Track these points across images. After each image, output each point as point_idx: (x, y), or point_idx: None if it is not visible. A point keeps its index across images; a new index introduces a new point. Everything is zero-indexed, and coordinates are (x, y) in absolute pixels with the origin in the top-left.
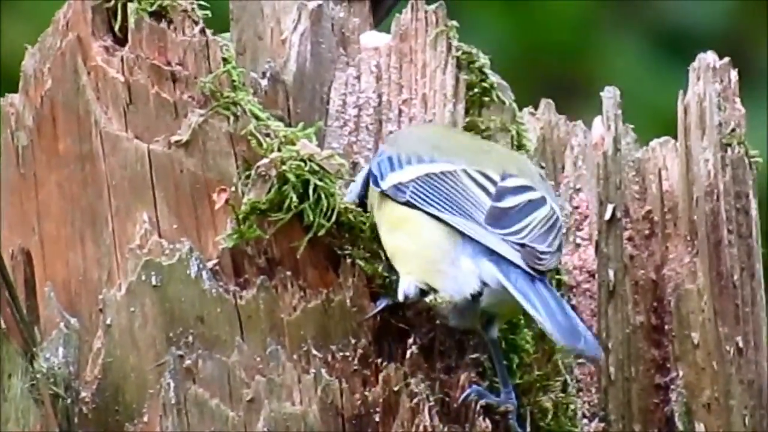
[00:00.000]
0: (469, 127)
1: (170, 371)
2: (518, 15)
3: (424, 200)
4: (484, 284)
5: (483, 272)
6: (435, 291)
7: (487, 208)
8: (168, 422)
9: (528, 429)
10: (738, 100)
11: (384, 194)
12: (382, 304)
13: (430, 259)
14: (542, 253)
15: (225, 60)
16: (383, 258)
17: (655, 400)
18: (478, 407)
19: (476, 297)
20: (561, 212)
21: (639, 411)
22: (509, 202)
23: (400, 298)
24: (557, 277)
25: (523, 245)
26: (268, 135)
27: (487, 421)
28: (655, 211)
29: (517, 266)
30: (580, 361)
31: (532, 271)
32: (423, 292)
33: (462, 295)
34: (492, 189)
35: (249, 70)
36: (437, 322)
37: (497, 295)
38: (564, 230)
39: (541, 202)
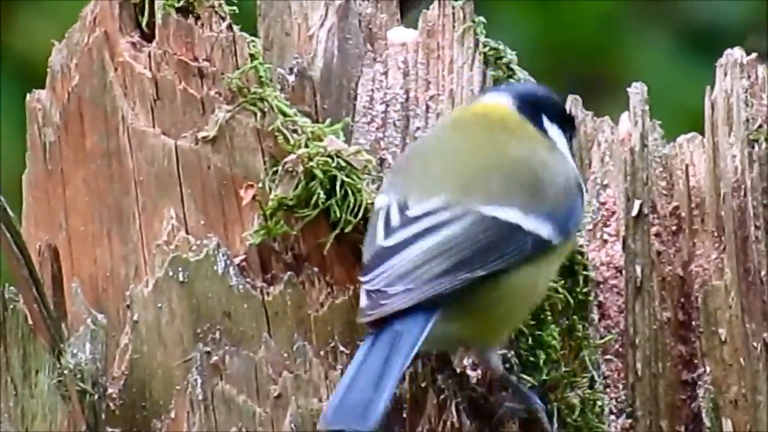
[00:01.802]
0: None
1: (197, 367)
2: (545, 13)
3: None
4: None
5: None
6: None
7: (375, 249)
8: (195, 418)
9: (556, 426)
10: (765, 96)
11: None
12: None
13: None
14: (391, 295)
15: (252, 56)
16: None
17: (682, 397)
18: (503, 407)
19: None
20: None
21: (666, 407)
22: (395, 239)
23: None
24: (584, 273)
25: (375, 291)
26: (295, 131)
27: (516, 420)
28: (682, 207)
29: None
30: (607, 357)
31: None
32: None
33: None
34: (396, 222)
35: (276, 66)
36: None
37: None
38: (489, 242)
39: (443, 225)
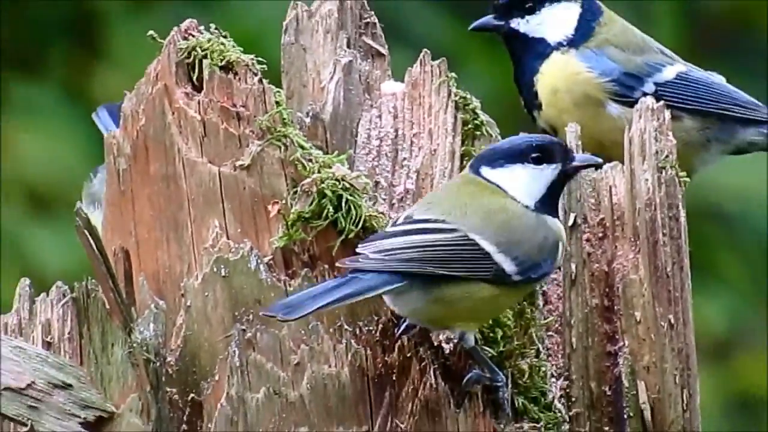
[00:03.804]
0: (464, 154)
1: (235, 342)
2: (501, 67)
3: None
4: None
5: None
6: None
7: (378, 233)
8: (233, 381)
9: (507, 405)
10: (670, 133)
11: None
12: (402, 325)
13: None
14: (369, 258)
15: (277, 103)
16: None
17: (607, 364)
18: (471, 373)
19: None
20: (481, 235)
21: (594, 372)
22: (394, 229)
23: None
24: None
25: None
26: (310, 160)
27: (479, 385)
28: (606, 218)
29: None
30: (549, 333)
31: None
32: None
33: None
34: (400, 222)
35: (296, 110)
36: None
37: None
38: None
39: (434, 231)
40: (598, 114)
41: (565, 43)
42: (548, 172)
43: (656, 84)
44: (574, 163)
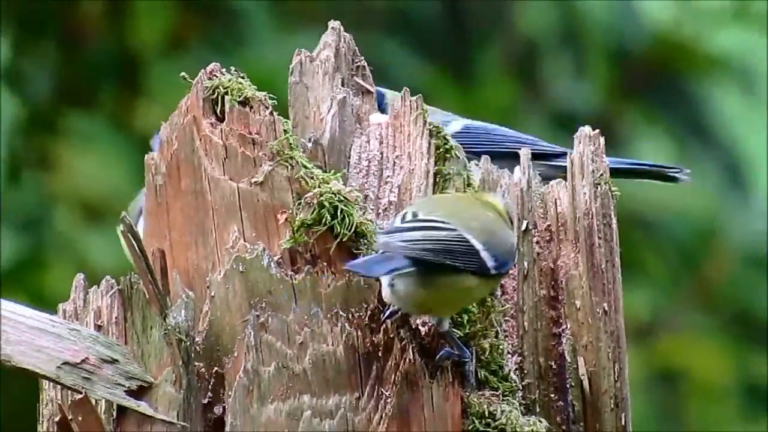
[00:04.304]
0: (437, 173)
1: (251, 325)
2: (467, 101)
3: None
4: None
5: None
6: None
7: (394, 226)
8: (249, 357)
9: (472, 376)
10: (604, 155)
11: None
12: (387, 312)
13: None
14: (395, 246)
15: (285, 131)
16: None
17: (553, 343)
18: (443, 351)
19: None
20: (471, 233)
21: (543, 350)
22: (407, 224)
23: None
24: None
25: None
26: (312, 177)
27: (450, 361)
28: (552, 225)
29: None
30: (506, 318)
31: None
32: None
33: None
34: (409, 218)
35: (300, 137)
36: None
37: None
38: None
39: (437, 229)
40: None
41: None
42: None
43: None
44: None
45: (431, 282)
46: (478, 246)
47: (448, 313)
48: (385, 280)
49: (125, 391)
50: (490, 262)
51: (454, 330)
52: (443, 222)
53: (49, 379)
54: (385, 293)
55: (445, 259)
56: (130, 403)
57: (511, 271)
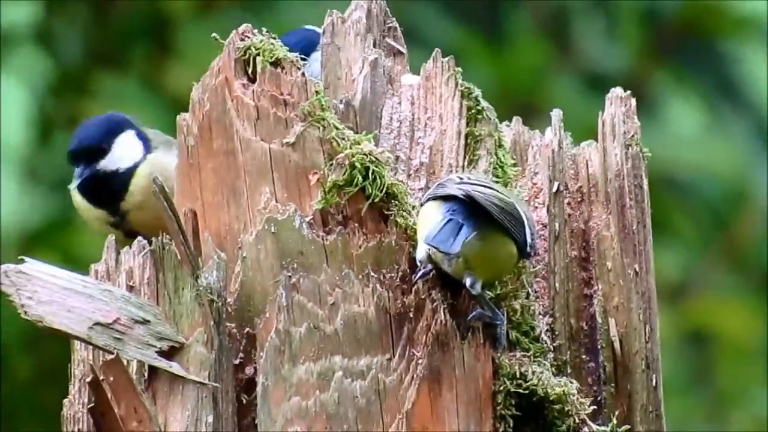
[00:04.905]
0: (468, 134)
1: (283, 285)
2: (498, 63)
3: (428, 193)
4: None
5: None
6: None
7: (457, 181)
8: (281, 317)
9: (504, 339)
10: (635, 117)
11: (421, 205)
12: (419, 273)
13: (423, 232)
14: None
15: (317, 92)
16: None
17: (584, 304)
18: (476, 312)
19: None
20: (519, 207)
21: (574, 311)
22: (466, 182)
23: (417, 262)
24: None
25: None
26: (343, 139)
27: (480, 322)
28: (584, 186)
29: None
30: (537, 279)
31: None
32: (429, 256)
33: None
34: (465, 177)
35: (332, 98)
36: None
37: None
38: (514, 211)
39: (497, 190)
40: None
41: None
42: None
43: None
44: None
45: (485, 238)
46: (524, 219)
47: (486, 275)
48: (445, 233)
49: (156, 352)
50: (529, 238)
51: (486, 292)
52: (499, 189)
53: (80, 339)
54: (425, 252)
55: (505, 219)
56: (162, 363)
57: (542, 233)
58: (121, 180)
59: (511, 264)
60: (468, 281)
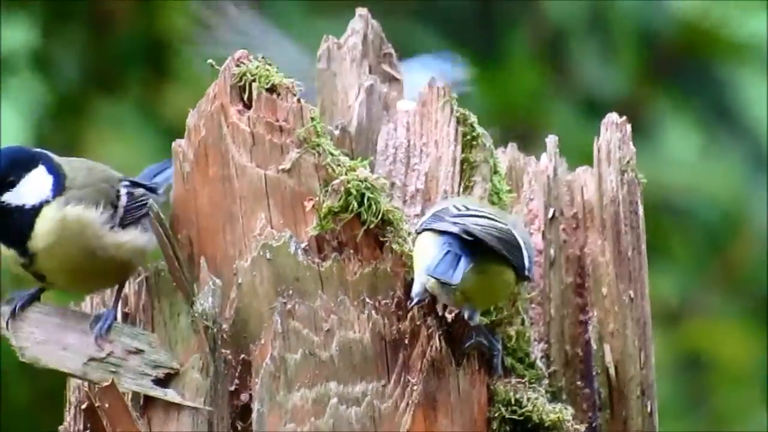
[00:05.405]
0: (464, 160)
1: (278, 312)
2: (494, 86)
3: (424, 223)
4: None
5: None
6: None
7: (453, 213)
8: (276, 343)
9: (500, 368)
10: (630, 143)
11: (417, 233)
12: (415, 299)
13: (422, 263)
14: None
15: (312, 118)
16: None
17: (579, 330)
18: (472, 340)
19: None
20: (516, 233)
21: (569, 337)
22: (465, 212)
23: (413, 294)
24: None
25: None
26: (339, 165)
27: (475, 351)
28: (579, 212)
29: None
30: (533, 306)
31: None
32: (426, 289)
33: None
34: (462, 209)
35: (327, 124)
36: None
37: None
38: (510, 236)
39: (492, 219)
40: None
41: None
42: None
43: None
44: None
45: (484, 270)
46: (521, 244)
47: (485, 305)
48: (442, 267)
49: (152, 380)
50: (527, 262)
51: (481, 318)
52: (496, 217)
53: (76, 377)
54: (422, 284)
55: (502, 249)
56: (157, 392)
57: (537, 259)
58: (26, 218)
59: (509, 290)
60: (466, 313)
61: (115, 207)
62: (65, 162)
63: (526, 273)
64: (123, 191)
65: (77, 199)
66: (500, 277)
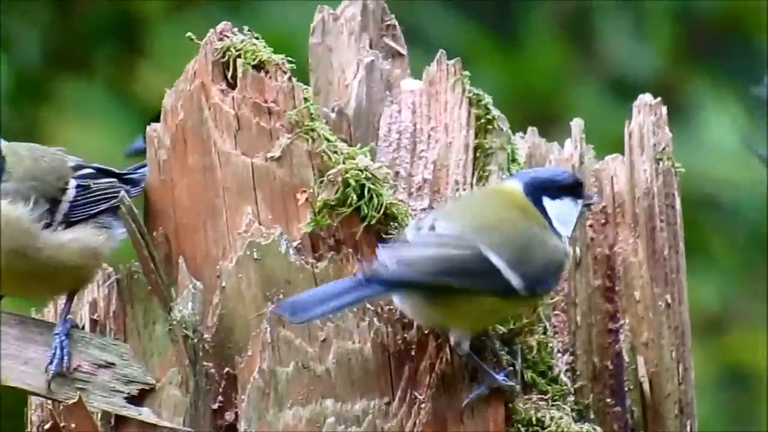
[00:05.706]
0: (477, 147)
1: (267, 319)
2: (512, 66)
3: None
4: None
5: None
6: None
7: (402, 239)
8: (265, 355)
9: (517, 388)
10: (666, 127)
11: None
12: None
13: None
14: (391, 267)
15: (305, 99)
16: None
17: (609, 340)
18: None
19: None
20: (496, 252)
21: (597, 348)
22: (417, 238)
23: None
24: None
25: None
26: (335, 152)
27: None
28: (608, 206)
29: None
30: (556, 312)
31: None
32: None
33: None
34: (425, 232)
35: (322, 106)
36: None
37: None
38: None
39: (452, 246)
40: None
41: None
42: (580, 205)
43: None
44: (587, 201)
45: (440, 301)
46: (501, 265)
47: (467, 330)
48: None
49: (124, 398)
50: (516, 282)
51: (497, 327)
52: (460, 237)
53: (39, 395)
54: (396, 303)
55: (453, 282)
56: (130, 412)
57: None
58: None
59: (502, 314)
60: (452, 339)
61: (57, 202)
62: (11, 149)
63: (523, 292)
64: (72, 183)
65: (7, 193)
66: (471, 306)
